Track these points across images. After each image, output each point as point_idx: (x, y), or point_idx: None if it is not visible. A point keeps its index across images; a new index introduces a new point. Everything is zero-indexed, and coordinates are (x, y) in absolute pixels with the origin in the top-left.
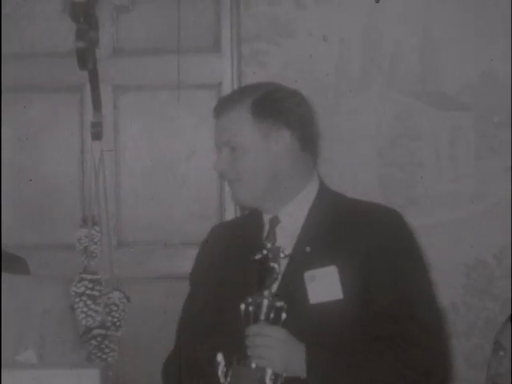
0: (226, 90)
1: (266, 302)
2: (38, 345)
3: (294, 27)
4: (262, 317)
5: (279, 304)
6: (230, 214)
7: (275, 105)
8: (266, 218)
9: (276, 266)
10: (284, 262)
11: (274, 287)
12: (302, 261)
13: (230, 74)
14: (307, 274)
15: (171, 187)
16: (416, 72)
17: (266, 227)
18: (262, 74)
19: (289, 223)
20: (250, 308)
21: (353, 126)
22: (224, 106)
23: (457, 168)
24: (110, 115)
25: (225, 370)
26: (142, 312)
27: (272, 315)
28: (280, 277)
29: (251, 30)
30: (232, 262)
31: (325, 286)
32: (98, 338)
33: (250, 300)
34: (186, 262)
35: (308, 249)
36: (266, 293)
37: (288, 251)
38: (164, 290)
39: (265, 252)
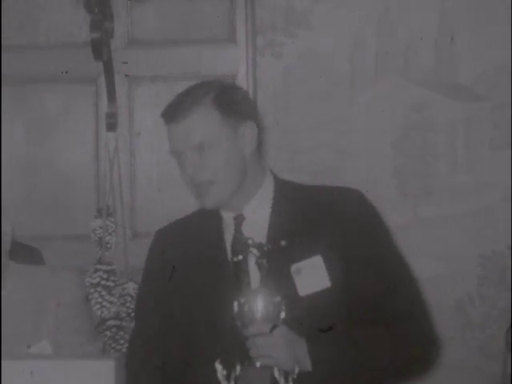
0: (241, 80)
1: (261, 300)
2: (53, 336)
3: (310, 18)
4: (258, 315)
5: (276, 299)
6: None
7: (236, 98)
8: (227, 216)
9: (264, 262)
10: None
11: (255, 285)
12: (280, 255)
13: (245, 65)
14: (293, 268)
15: None
16: (431, 63)
17: (229, 226)
18: (277, 65)
19: (254, 219)
20: (246, 308)
21: (367, 117)
22: (182, 108)
23: (472, 159)
24: (125, 106)
25: (225, 373)
26: None
27: (270, 312)
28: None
29: (266, 20)
30: (195, 268)
31: (312, 276)
32: (113, 329)
33: (242, 300)
34: None
35: (283, 242)
36: (258, 290)
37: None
38: None
39: (251, 249)
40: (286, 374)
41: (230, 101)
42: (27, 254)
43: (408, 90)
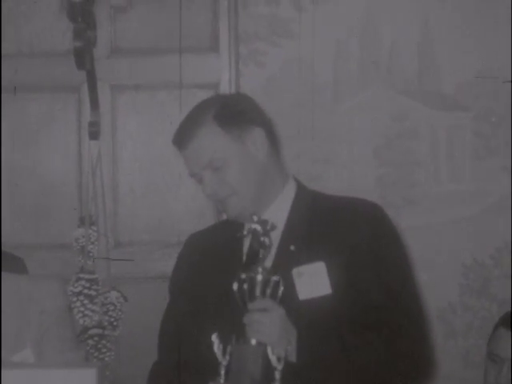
0: (224, 89)
1: (260, 278)
2: (35, 344)
3: (292, 27)
4: (258, 293)
5: (275, 278)
6: None
7: (236, 109)
8: (248, 224)
9: (267, 239)
10: (270, 261)
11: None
12: (287, 259)
13: (228, 74)
14: (295, 271)
15: (168, 187)
16: (413, 71)
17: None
18: (260, 74)
19: None
20: (245, 285)
21: (350, 125)
22: (186, 133)
23: (454, 168)
24: (108, 115)
25: (221, 347)
26: (139, 311)
27: (268, 291)
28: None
29: (249, 29)
30: (213, 273)
31: (313, 281)
32: (95, 338)
33: (243, 276)
34: None
35: (292, 247)
36: (259, 269)
37: (272, 250)
38: (161, 289)
39: (253, 226)
40: (279, 357)
41: (231, 114)
42: (10, 262)
43: (391, 99)
